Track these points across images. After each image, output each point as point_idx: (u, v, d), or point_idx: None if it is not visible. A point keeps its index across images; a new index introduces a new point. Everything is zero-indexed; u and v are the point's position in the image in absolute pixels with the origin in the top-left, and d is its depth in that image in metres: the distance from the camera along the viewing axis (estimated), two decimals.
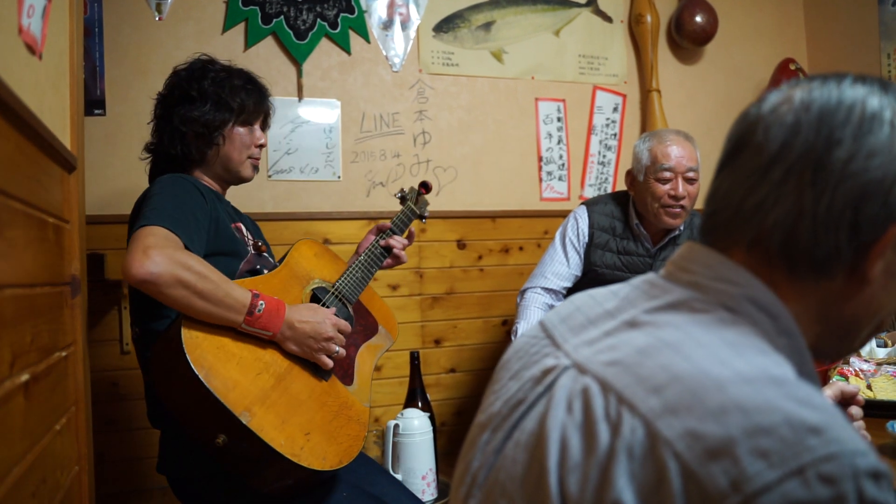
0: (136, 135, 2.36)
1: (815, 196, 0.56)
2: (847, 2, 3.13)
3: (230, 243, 1.49)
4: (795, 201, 0.56)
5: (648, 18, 2.95)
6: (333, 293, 1.61)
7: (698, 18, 2.96)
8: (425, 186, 2.00)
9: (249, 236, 1.62)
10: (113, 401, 2.28)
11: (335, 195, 2.58)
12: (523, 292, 2.21)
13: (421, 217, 1.95)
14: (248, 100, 1.60)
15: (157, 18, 2.39)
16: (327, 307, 1.53)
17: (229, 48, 2.48)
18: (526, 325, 2.10)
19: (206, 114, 1.55)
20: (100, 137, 2.30)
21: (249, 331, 1.33)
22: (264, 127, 1.68)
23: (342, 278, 1.65)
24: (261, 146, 1.65)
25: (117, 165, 2.34)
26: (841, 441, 0.45)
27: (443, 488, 2.00)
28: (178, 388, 1.25)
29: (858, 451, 0.44)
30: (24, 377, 0.99)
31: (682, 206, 2.07)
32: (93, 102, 2.29)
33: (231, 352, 1.31)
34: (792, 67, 3.07)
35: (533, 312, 2.12)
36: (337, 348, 1.44)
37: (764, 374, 0.50)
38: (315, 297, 1.57)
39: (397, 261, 1.81)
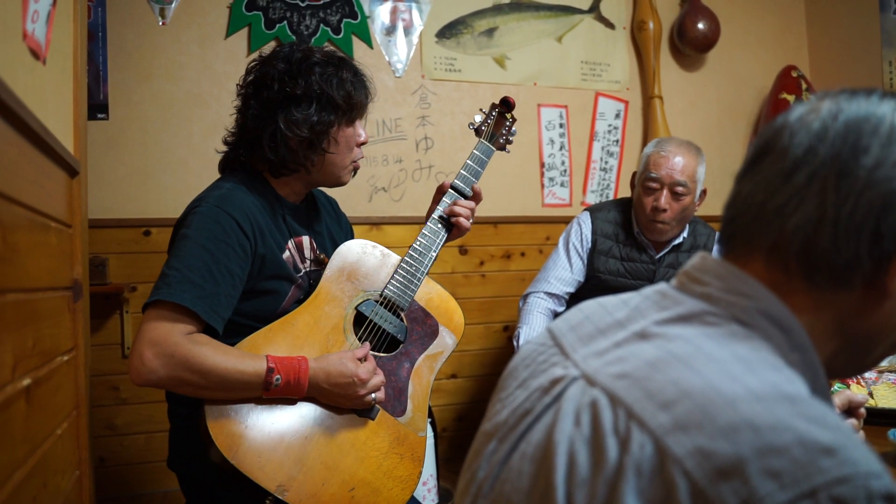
0: (139, 139, 2.37)
1: (838, 201, 0.54)
2: (848, 9, 3.13)
3: (272, 281, 1.39)
4: (818, 206, 0.55)
5: (651, 25, 2.96)
6: (381, 303, 1.45)
7: (700, 25, 2.97)
8: (506, 104, 1.63)
9: (310, 250, 1.48)
10: (114, 405, 2.27)
11: (337, 200, 2.57)
12: (526, 297, 2.21)
13: (503, 147, 1.62)
14: (355, 94, 1.42)
15: (160, 23, 2.40)
16: (374, 324, 1.42)
17: (232, 53, 2.49)
18: (528, 330, 2.09)
19: (312, 115, 1.37)
20: (102, 141, 2.31)
21: (273, 397, 1.28)
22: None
23: (391, 281, 1.46)
24: (362, 144, 1.49)
25: (120, 169, 2.34)
26: (855, 462, 0.44)
27: (444, 494, 1.99)
28: (217, 461, 1.24)
29: (873, 473, 0.43)
30: (26, 382, 0.99)
31: (664, 221, 2.02)
32: (96, 107, 2.29)
33: (259, 421, 1.26)
34: (794, 75, 3.07)
35: (535, 317, 2.12)
36: (373, 395, 1.34)
37: (776, 391, 0.49)
38: (360, 316, 1.43)
39: (459, 231, 1.56)
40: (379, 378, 1.35)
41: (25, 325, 1.00)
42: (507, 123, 1.64)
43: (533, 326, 2.10)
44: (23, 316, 0.99)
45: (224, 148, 1.49)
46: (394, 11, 2.68)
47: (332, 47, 2.55)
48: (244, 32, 2.48)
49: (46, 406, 1.12)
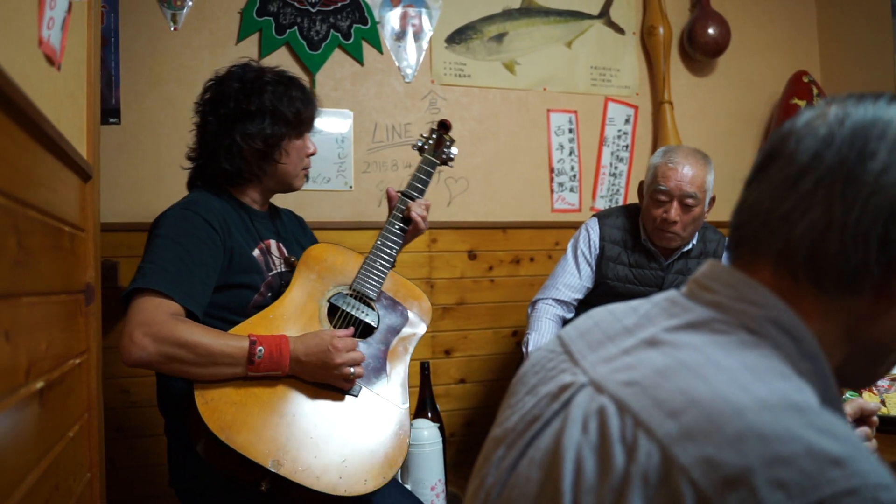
0: (151, 143, 2.38)
1: (844, 208, 0.54)
2: (860, 14, 3.12)
3: (244, 275, 1.48)
4: (824, 212, 0.54)
5: (661, 30, 2.95)
6: (352, 295, 1.56)
7: (711, 30, 2.96)
8: (444, 126, 1.81)
9: (278, 253, 1.58)
10: (124, 408, 2.28)
11: (347, 205, 2.58)
12: (534, 303, 2.21)
13: (446, 162, 1.80)
14: (304, 110, 1.57)
15: (172, 29, 2.41)
16: (347, 313, 1.51)
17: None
18: (537, 337, 2.09)
19: (266, 129, 1.51)
20: (114, 146, 2.32)
21: (258, 376, 1.34)
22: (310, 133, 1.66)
23: (358, 276, 1.58)
24: (311, 155, 1.64)
25: (131, 173, 2.36)
26: (863, 474, 0.43)
27: (451, 499, 1.99)
28: (209, 449, 1.29)
29: (882, 485, 0.43)
30: (39, 384, 0.99)
31: (674, 232, 2.01)
32: (108, 111, 2.31)
33: (248, 402, 1.32)
34: (805, 80, 3.06)
35: (544, 324, 2.11)
36: (352, 370, 1.40)
37: (785, 400, 0.48)
38: (333, 308, 1.53)
39: (416, 230, 1.69)
40: (357, 353, 1.42)
41: (39, 328, 1.01)
42: (447, 142, 1.81)
43: (542, 333, 2.10)
44: (36, 319, 1.00)
45: (188, 164, 1.62)
46: (404, 17, 2.69)
47: (342, 52, 2.58)
48: (255, 38, 2.50)
49: (59, 409, 1.13)
